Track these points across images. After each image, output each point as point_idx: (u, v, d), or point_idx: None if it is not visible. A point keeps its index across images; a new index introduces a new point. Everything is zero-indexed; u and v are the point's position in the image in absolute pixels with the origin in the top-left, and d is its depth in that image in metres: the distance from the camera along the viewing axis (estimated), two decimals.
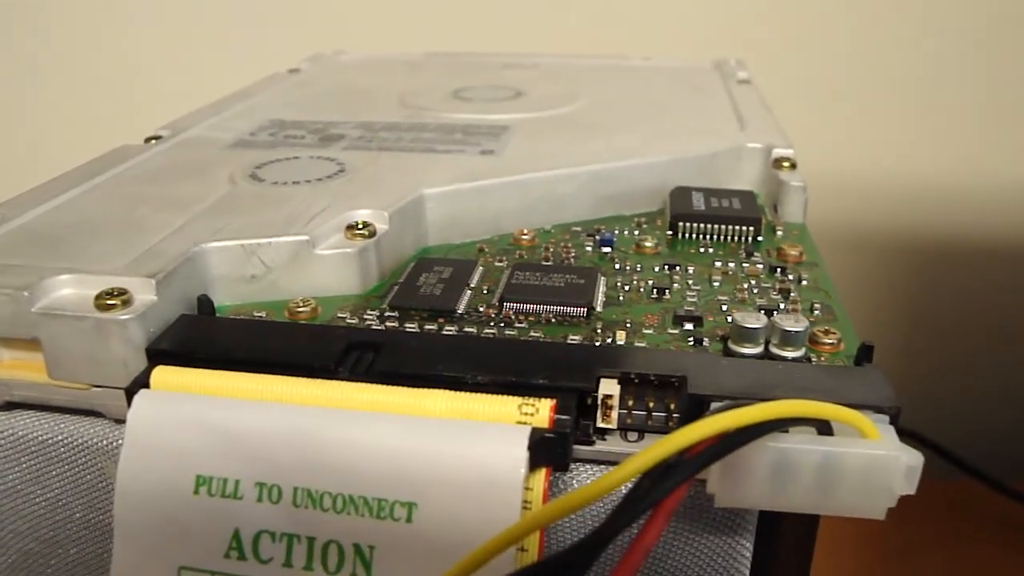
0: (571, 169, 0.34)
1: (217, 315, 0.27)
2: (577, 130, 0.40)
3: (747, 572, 0.23)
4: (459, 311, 0.27)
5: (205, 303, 0.26)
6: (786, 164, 0.35)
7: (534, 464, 0.20)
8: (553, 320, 0.26)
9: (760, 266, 0.30)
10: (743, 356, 0.23)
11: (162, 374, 0.23)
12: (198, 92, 0.51)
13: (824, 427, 0.19)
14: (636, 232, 0.33)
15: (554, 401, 0.21)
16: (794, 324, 0.23)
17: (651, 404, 0.22)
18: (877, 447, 0.19)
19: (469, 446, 0.20)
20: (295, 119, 0.43)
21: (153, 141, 0.40)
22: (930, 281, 0.73)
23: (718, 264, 0.30)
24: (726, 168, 0.37)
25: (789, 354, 0.23)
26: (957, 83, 0.68)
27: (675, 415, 0.22)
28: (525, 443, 0.20)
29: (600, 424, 0.22)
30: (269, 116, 0.43)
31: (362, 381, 0.22)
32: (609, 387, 0.22)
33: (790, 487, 0.19)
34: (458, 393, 0.21)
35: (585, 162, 0.35)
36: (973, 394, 0.75)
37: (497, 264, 0.30)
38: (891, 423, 0.20)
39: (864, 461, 0.19)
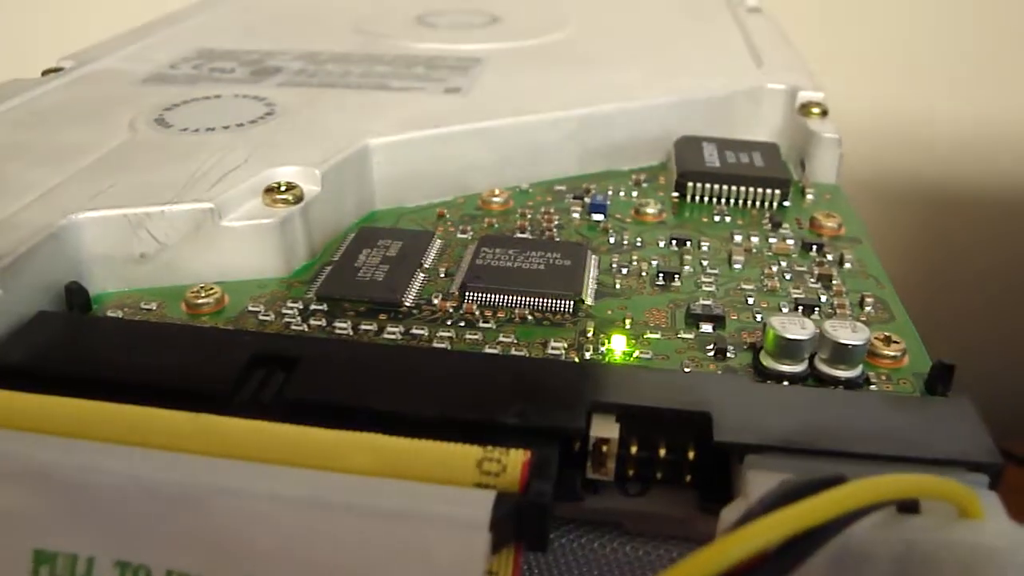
0: (555, 113, 0.28)
1: (93, 308, 0.21)
2: (563, 65, 0.33)
3: None
4: (406, 304, 0.21)
5: (76, 293, 0.20)
6: (816, 111, 0.29)
7: (499, 543, 0.14)
8: (530, 317, 0.20)
9: (791, 242, 0.24)
10: (781, 376, 0.18)
11: None
12: (124, 18, 0.44)
13: (908, 504, 0.14)
14: (635, 193, 0.27)
15: (528, 454, 0.15)
16: (852, 335, 0.17)
17: (663, 451, 0.16)
18: (982, 532, 0.14)
19: (407, 521, 0.14)
20: (227, 48, 0.36)
21: (52, 74, 0.33)
22: (967, 239, 0.66)
23: (738, 238, 0.24)
24: (742, 113, 0.31)
25: (842, 374, 0.18)
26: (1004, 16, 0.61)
27: (693, 464, 0.16)
28: (487, 516, 0.14)
29: (591, 475, 0.16)
30: (199, 44, 0.36)
31: (266, 413, 0.16)
32: (605, 428, 0.16)
33: None
34: (393, 440, 0.15)
35: (572, 104, 0.28)
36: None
37: (460, 236, 0.24)
38: (991, 486, 0.15)
39: (964, 553, 0.13)
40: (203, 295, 0.21)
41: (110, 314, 0.21)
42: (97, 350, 0.18)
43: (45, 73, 0.33)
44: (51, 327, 0.19)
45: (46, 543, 0.16)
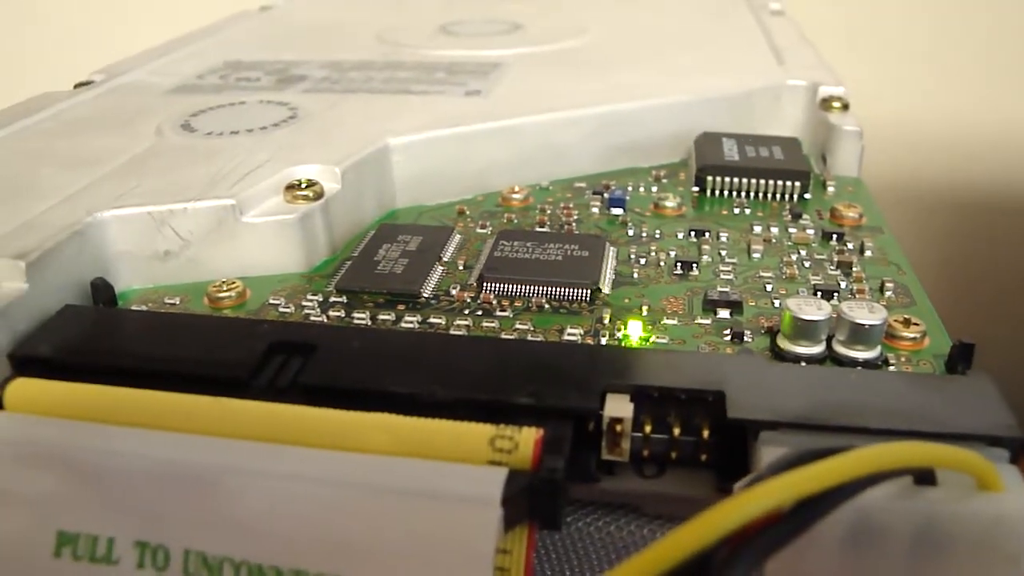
0: (574, 112, 0.28)
1: (119, 303, 0.21)
2: (583, 67, 0.34)
3: None
4: (425, 295, 0.21)
5: (102, 289, 0.21)
6: (836, 105, 0.29)
7: (511, 521, 0.15)
8: (547, 306, 0.20)
9: (811, 232, 0.24)
10: (798, 358, 0.18)
11: (22, 389, 0.17)
12: (158, 33, 0.45)
13: (925, 475, 0.13)
14: (654, 188, 0.27)
15: (541, 432, 0.15)
16: (869, 315, 0.17)
17: (676, 430, 0.16)
18: (1002, 503, 0.13)
19: (419, 498, 0.14)
20: (253, 59, 0.36)
21: (83, 87, 0.34)
22: (999, 244, 0.64)
23: (757, 229, 0.24)
24: (763, 110, 0.30)
25: (861, 355, 0.17)
26: None
27: (709, 444, 0.16)
28: (498, 493, 0.14)
29: (606, 456, 0.16)
30: (225, 57, 0.37)
31: (283, 398, 0.16)
32: (619, 407, 0.16)
33: (874, 560, 0.14)
34: (407, 420, 0.15)
35: (591, 103, 0.28)
36: None
37: (479, 231, 0.24)
38: (1012, 460, 0.15)
39: (983, 524, 0.13)
40: (225, 289, 0.21)
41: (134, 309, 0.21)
42: (119, 340, 0.18)
43: (77, 86, 0.34)
44: (76, 319, 0.19)
45: (69, 524, 0.16)
